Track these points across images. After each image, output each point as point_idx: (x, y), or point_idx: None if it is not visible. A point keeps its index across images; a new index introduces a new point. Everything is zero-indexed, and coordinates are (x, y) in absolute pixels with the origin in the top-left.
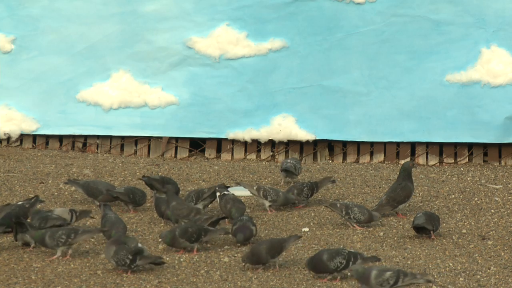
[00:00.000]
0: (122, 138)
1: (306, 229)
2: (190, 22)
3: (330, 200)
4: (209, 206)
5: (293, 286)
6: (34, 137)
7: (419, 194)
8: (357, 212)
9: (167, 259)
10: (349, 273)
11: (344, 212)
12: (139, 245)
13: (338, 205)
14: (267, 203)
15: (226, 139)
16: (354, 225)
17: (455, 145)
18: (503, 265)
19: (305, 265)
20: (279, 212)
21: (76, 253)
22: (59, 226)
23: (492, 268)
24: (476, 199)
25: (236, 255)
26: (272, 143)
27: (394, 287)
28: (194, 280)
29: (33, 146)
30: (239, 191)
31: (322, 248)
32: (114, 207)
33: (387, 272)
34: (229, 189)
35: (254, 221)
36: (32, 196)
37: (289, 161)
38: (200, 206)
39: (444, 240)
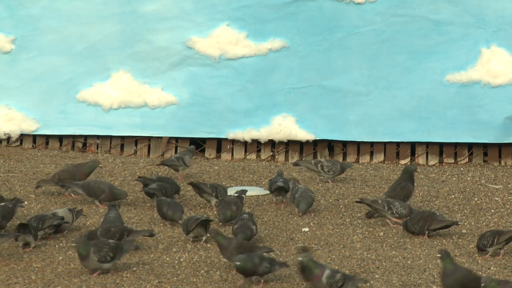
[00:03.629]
0: (122, 138)
1: (306, 229)
2: (190, 22)
3: (370, 198)
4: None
5: (293, 286)
6: (34, 137)
7: (419, 194)
8: (399, 207)
9: (167, 259)
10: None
11: (386, 208)
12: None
13: (380, 201)
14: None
15: (226, 139)
16: (392, 219)
17: (455, 145)
18: (503, 265)
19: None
20: (279, 212)
21: (76, 253)
22: (57, 225)
23: (492, 268)
24: (476, 199)
25: None
26: (272, 143)
27: None
28: (194, 280)
29: (33, 146)
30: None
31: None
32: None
33: (337, 274)
34: (229, 189)
35: (255, 220)
36: (13, 197)
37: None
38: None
39: (444, 240)
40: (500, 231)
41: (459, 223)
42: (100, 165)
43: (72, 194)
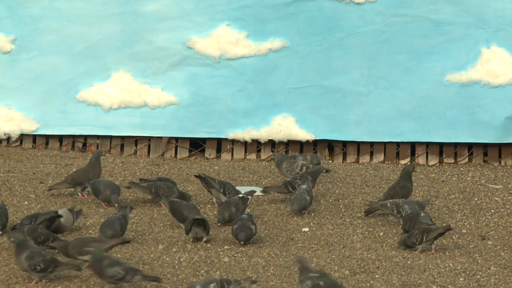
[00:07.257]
0: (122, 138)
1: (306, 229)
2: (190, 22)
3: (376, 201)
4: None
5: (293, 286)
6: (34, 137)
7: (419, 194)
8: (408, 210)
9: (167, 259)
10: None
11: (395, 211)
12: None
13: (389, 204)
14: None
15: (226, 139)
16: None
17: (455, 145)
18: (503, 265)
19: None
20: (279, 212)
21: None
22: (50, 219)
23: (492, 268)
24: (476, 199)
25: (236, 255)
26: (272, 143)
27: None
28: (194, 280)
29: (33, 146)
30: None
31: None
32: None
33: (210, 284)
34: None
35: (254, 220)
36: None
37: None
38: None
39: (444, 240)
40: (428, 228)
41: (435, 225)
42: (103, 153)
43: (79, 194)
